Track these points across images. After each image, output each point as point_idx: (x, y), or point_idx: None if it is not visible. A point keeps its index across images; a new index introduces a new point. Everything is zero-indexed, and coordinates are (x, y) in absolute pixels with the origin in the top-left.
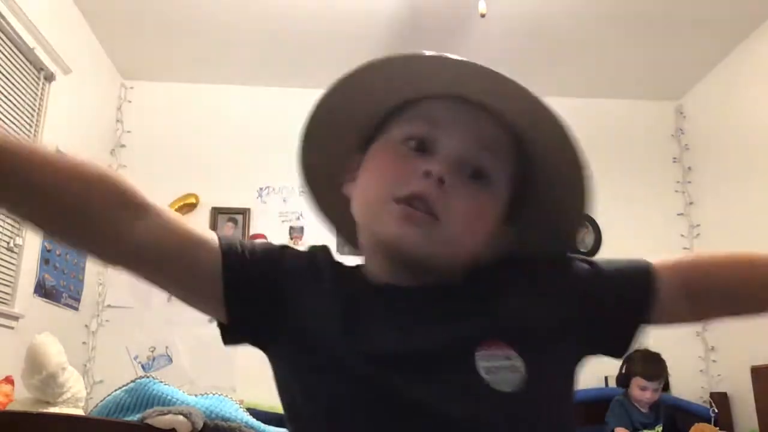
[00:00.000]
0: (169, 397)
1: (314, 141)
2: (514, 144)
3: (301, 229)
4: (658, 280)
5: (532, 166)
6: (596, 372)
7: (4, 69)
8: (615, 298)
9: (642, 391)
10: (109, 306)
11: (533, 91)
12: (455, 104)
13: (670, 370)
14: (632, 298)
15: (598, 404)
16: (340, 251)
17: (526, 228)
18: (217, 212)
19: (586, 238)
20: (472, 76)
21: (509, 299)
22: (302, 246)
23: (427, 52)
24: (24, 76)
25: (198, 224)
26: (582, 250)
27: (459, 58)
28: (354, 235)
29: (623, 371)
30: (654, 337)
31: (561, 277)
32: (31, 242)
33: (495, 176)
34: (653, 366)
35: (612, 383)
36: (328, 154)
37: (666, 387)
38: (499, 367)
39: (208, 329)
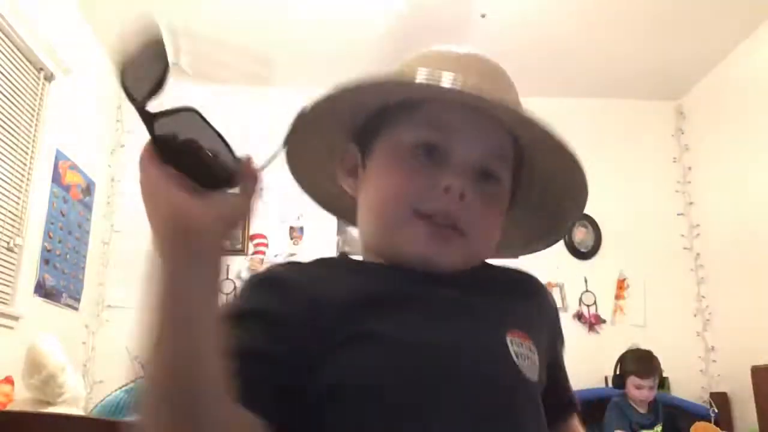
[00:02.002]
0: None
1: (305, 124)
2: (514, 146)
3: (301, 229)
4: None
5: (523, 166)
6: (596, 372)
7: (4, 69)
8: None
9: (638, 390)
10: (109, 306)
11: (542, 119)
12: (463, 110)
13: (670, 371)
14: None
15: (598, 404)
16: (341, 248)
17: (514, 222)
18: None
19: (586, 239)
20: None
21: (523, 301)
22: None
23: (445, 83)
24: (24, 76)
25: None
26: (583, 250)
27: (472, 92)
28: (347, 213)
29: (617, 372)
30: (654, 337)
31: (552, 306)
32: (31, 242)
33: (504, 179)
34: (646, 363)
35: (611, 383)
36: (318, 138)
37: (662, 385)
38: (526, 356)
39: None
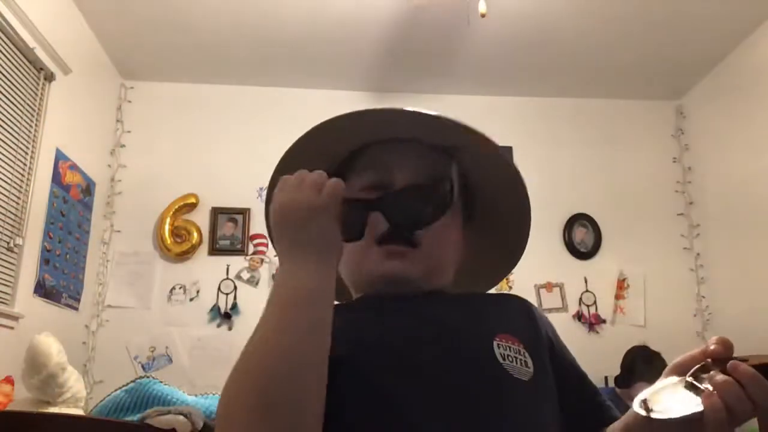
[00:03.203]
0: (169, 397)
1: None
2: (452, 161)
3: None
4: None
5: (472, 179)
6: (596, 372)
7: (4, 69)
8: (577, 395)
9: None
10: (109, 306)
11: (457, 121)
12: (396, 145)
13: None
14: (592, 420)
15: None
16: None
17: (478, 237)
18: (217, 212)
19: (586, 239)
20: (405, 122)
21: (509, 311)
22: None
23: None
24: (24, 76)
25: (198, 224)
26: (583, 250)
27: (393, 108)
28: None
29: (625, 372)
30: (654, 337)
31: (542, 316)
32: (31, 242)
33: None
34: (661, 372)
35: (611, 383)
36: None
37: None
38: (514, 357)
39: (208, 329)
